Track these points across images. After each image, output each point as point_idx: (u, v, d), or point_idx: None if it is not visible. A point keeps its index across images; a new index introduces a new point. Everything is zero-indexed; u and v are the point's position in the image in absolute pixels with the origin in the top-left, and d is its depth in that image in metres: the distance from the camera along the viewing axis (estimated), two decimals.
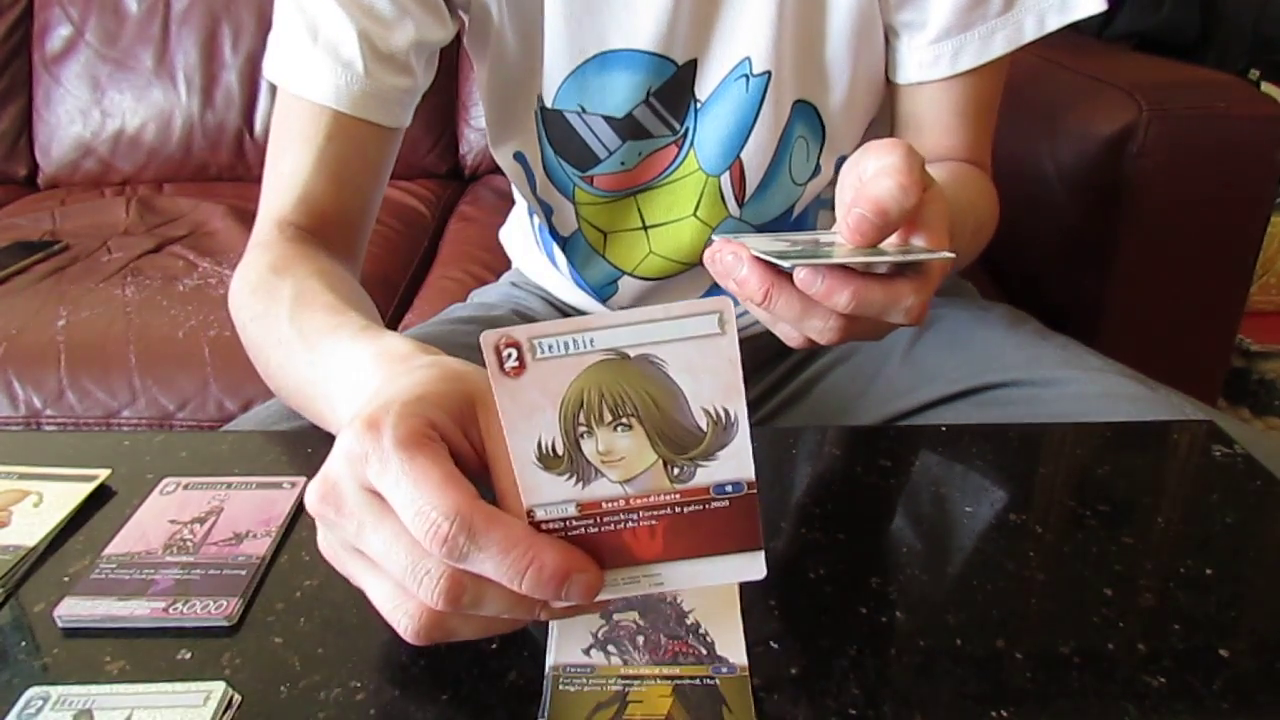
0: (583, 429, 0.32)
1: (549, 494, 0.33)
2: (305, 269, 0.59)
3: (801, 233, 0.51)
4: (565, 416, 0.32)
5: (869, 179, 0.46)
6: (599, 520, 0.33)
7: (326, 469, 0.35)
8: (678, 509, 0.33)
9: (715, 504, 0.33)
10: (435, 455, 0.33)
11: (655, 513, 0.33)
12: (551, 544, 0.33)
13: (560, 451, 0.32)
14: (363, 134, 0.66)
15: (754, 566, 0.33)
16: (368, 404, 0.36)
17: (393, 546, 0.33)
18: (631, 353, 0.31)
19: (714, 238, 0.49)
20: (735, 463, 0.32)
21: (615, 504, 0.33)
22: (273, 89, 0.69)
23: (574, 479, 0.33)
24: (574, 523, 0.33)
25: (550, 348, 0.31)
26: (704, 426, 0.32)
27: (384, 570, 0.34)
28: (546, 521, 0.33)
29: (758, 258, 0.46)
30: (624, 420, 0.32)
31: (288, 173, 0.65)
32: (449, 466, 0.33)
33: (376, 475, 0.33)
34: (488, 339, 0.31)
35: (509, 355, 0.31)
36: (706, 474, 0.33)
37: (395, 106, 0.67)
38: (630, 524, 0.33)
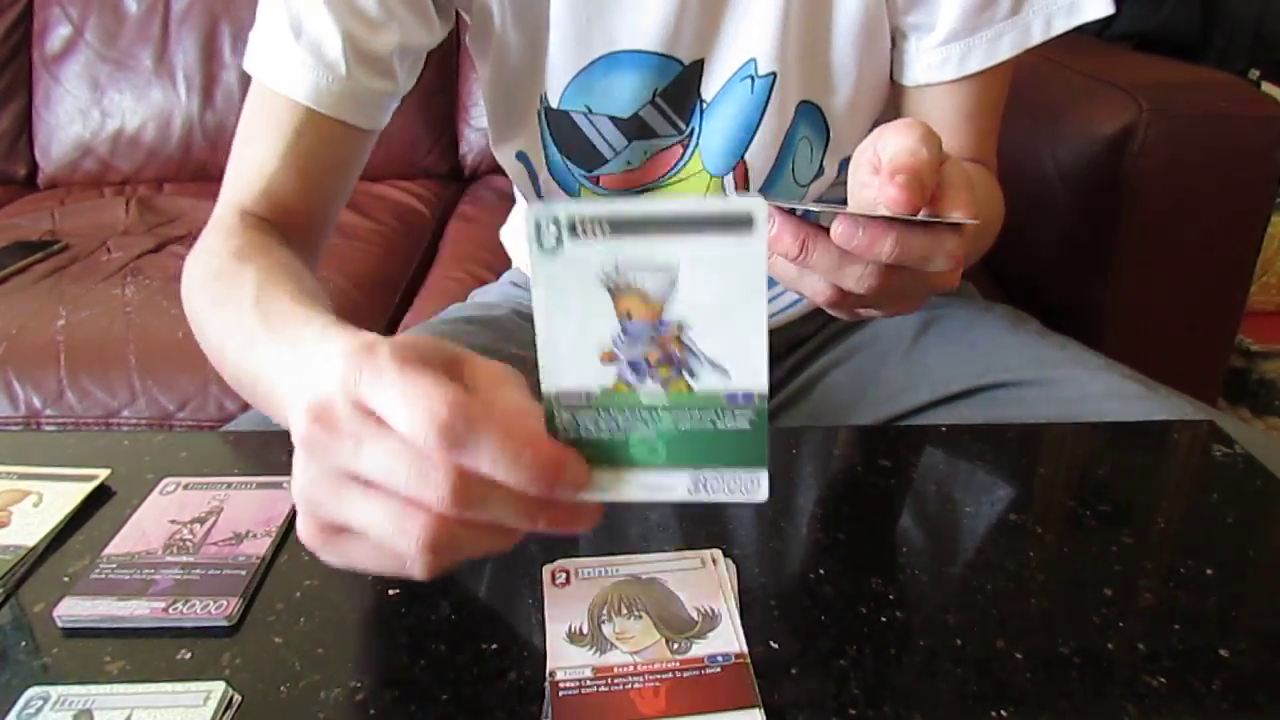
0: (604, 618, 0.42)
1: (571, 659, 0.40)
2: (269, 259, 0.58)
3: (810, 202, 0.51)
4: (593, 610, 0.42)
5: (897, 154, 0.45)
6: (610, 681, 0.39)
7: (316, 392, 0.34)
8: (677, 674, 0.39)
9: (709, 670, 0.39)
10: (429, 369, 0.34)
11: (658, 676, 0.39)
12: (545, 437, 0.34)
13: (585, 632, 0.41)
14: (334, 133, 0.66)
15: None
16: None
17: (394, 457, 0.33)
18: (644, 576, 0.44)
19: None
20: (723, 640, 0.40)
21: (625, 669, 0.39)
22: None
23: (593, 650, 0.40)
24: (589, 682, 0.39)
25: (589, 573, 0.44)
26: (696, 618, 0.42)
27: (382, 491, 0.34)
28: (565, 681, 0.39)
29: (786, 211, 0.45)
30: (636, 613, 0.42)
31: (254, 164, 0.65)
32: (443, 376, 0.34)
33: (370, 385, 0.33)
34: (546, 568, 0.44)
35: (560, 576, 0.44)
36: (700, 648, 0.40)
37: (372, 109, 0.67)
38: (636, 685, 0.39)
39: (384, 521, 0.34)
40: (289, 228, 0.66)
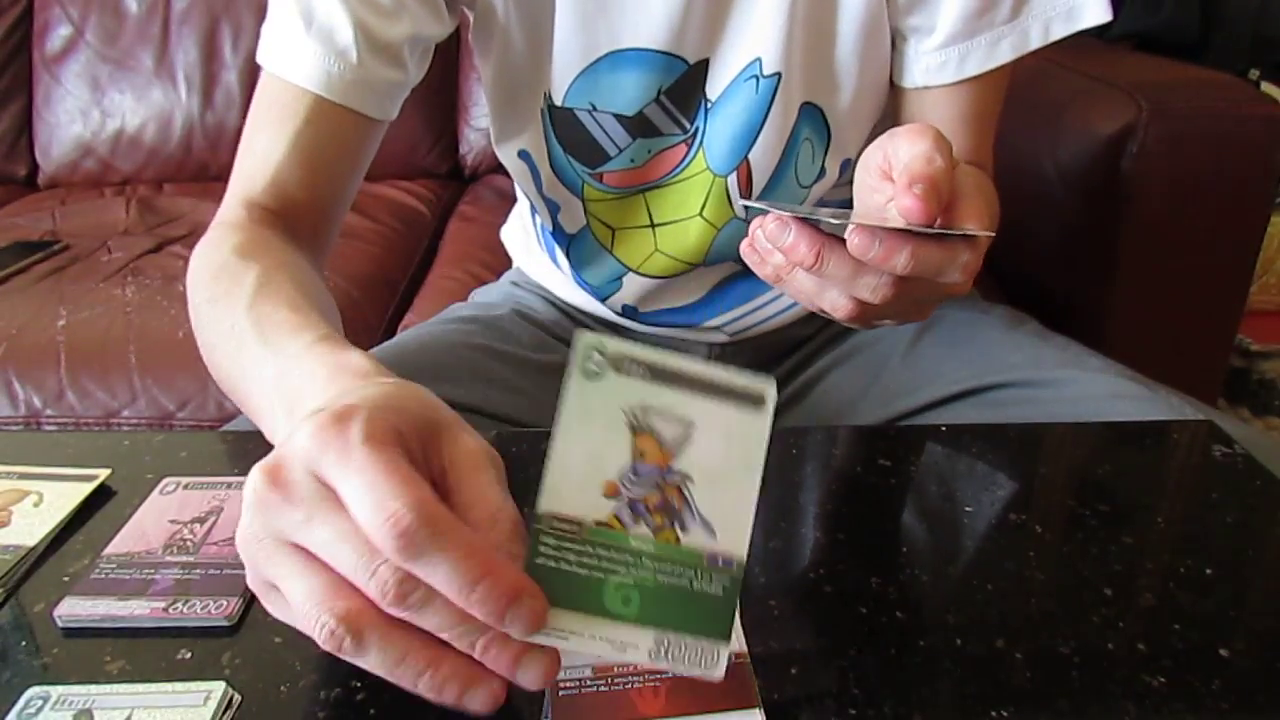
0: None
1: (570, 659, 0.38)
2: (272, 258, 0.57)
3: (818, 208, 0.52)
4: None
5: (913, 161, 0.45)
6: (610, 681, 0.39)
7: (279, 453, 0.33)
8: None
9: None
10: (400, 456, 0.32)
11: (658, 676, 0.39)
12: (510, 565, 0.32)
13: None
14: (344, 122, 0.65)
15: None
16: (334, 402, 0.34)
17: (343, 540, 0.32)
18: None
19: (745, 204, 0.48)
20: None
21: (625, 669, 0.39)
22: None
23: None
24: (589, 682, 0.39)
25: None
26: None
27: (321, 566, 0.33)
28: (565, 681, 0.39)
29: (804, 221, 0.45)
30: None
31: (260, 153, 0.65)
32: (413, 470, 0.32)
33: (334, 465, 0.32)
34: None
35: None
36: None
37: (384, 99, 0.66)
38: (636, 685, 0.39)
39: (307, 595, 0.32)
40: (295, 221, 0.65)
